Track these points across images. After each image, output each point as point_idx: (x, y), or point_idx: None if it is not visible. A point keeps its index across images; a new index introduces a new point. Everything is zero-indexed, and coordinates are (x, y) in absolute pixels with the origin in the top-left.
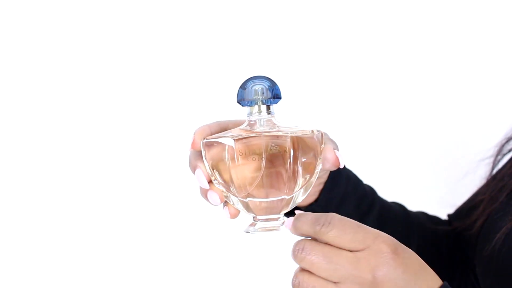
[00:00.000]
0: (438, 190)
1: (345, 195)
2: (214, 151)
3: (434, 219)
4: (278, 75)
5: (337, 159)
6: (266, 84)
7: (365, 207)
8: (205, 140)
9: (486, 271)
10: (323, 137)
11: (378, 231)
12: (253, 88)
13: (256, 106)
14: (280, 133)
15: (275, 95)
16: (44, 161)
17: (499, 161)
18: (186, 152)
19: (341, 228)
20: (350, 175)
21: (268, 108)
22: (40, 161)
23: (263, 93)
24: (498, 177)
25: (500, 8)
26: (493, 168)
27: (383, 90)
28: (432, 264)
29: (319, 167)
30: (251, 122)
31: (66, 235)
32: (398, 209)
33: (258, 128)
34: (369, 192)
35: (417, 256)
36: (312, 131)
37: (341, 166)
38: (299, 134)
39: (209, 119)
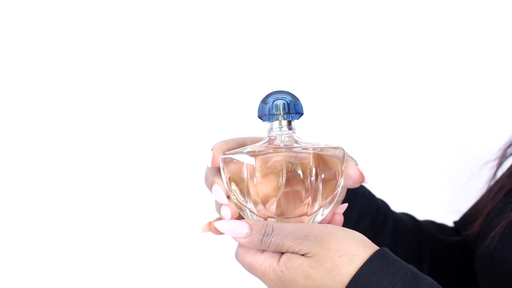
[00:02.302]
0: (442, 195)
1: (361, 212)
2: (233, 167)
3: (443, 228)
4: (287, 86)
5: (361, 175)
6: (288, 99)
7: (379, 223)
8: (224, 156)
9: (483, 269)
10: (344, 155)
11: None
12: (275, 103)
13: (277, 122)
14: (301, 150)
15: (297, 111)
16: (45, 161)
17: (501, 164)
18: (197, 163)
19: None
20: (365, 191)
21: (289, 123)
22: (40, 161)
23: (284, 108)
24: (499, 179)
25: (502, 10)
26: (496, 171)
27: (385, 97)
28: (445, 273)
29: (340, 185)
30: (271, 138)
31: (66, 235)
32: (409, 221)
33: (278, 144)
34: (382, 208)
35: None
36: (334, 148)
37: (366, 182)
38: (320, 151)
39: (214, 123)
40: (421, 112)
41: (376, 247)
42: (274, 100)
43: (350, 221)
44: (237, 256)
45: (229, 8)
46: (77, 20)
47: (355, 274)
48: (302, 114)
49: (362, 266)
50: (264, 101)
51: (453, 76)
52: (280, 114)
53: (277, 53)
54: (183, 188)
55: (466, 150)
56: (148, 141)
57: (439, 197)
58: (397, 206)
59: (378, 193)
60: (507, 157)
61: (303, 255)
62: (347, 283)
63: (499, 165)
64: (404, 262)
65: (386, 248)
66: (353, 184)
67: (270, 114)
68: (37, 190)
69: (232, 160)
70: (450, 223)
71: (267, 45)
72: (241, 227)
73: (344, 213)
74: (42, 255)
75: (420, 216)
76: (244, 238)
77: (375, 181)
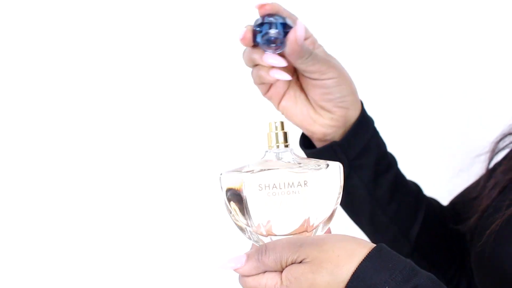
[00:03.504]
0: (432, 187)
1: (368, 145)
2: (232, 185)
3: (442, 208)
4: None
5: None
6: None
7: (383, 167)
8: (222, 174)
9: (478, 266)
10: (343, 170)
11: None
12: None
13: (274, 140)
14: (299, 167)
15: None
16: (44, 161)
17: (493, 157)
18: (196, 163)
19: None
20: (378, 134)
21: (285, 141)
22: (40, 162)
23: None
24: (494, 175)
25: (497, 7)
26: (488, 165)
27: (378, 88)
28: (434, 246)
29: (339, 200)
30: (269, 156)
31: (66, 235)
32: (412, 184)
33: (276, 162)
34: (391, 157)
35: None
36: (332, 164)
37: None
38: (318, 167)
39: (213, 124)
40: (413, 105)
41: (372, 244)
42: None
43: (355, 148)
44: (240, 281)
45: (228, 8)
46: (77, 20)
47: (355, 270)
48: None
49: (361, 262)
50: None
51: (447, 70)
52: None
53: None
54: (183, 188)
55: (457, 143)
56: (148, 141)
57: (428, 189)
58: None
59: None
60: (499, 150)
61: (301, 262)
62: (347, 281)
63: (491, 158)
64: (401, 256)
65: (383, 244)
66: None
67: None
68: (37, 190)
69: (231, 178)
70: None
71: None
72: (240, 259)
73: (350, 137)
74: (42, 255)
75: None
76: (243, 266)
77: None
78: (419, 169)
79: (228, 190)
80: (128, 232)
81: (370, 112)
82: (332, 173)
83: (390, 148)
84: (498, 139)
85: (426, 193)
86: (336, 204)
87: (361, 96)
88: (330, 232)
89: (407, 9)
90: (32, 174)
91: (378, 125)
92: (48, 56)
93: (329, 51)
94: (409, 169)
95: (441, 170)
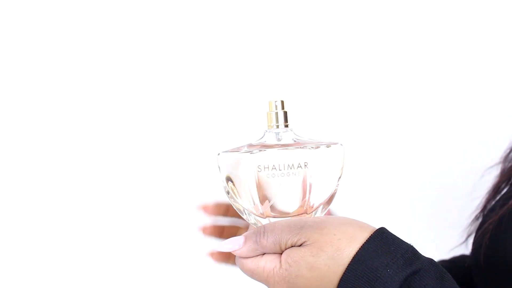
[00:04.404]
0: (447, 204)
1: None
2: (230, 165)
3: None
4: (285, 85)
5: None
6: None
7: None
8: (221, 154)
9: (476, 265)
10: (343, 150)
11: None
12: None
13: (274, 119)
14: (299, 147)
15: None
16: (44, 162)
17: (505, 169)
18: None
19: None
20: None
21: (285, 120)
22: (39, 162)
23: None
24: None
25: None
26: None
27: (389, 106)
28: None
29: (340, 181)
30: (269, 136)
31: (66, 235)
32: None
33: (276, 142)
34: None
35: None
36: (333, 144)
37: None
38: (319, 147)
39: (213, 124)
40: (424, 120)
41: (374, 227)
42: None
43: None
44: (238, 263)
45: (228, 8)
46: (77, 20)
47: (356, 253)
48: None
49: (363, 245)
50: None
51: (458, 85)
52: None
53: (276, 53)
54: (182, 188)
55: (470, 158)
56: (148, 141)
57: (443, 205)
58: (400, 215)
59: (383, 203)
60: (510, 161)
61: (301, 245)
62: (347, 264)
63: (504, 170)
64: (403, 240)
65: (385, 227)
66: None
67: None
68: (37, 190)
69: (229, 158)
70: (458, 231)
71: (266, 44)
72: (237, 240)
73: None
74: (42, 255)
75: (428, 225)
76: (241, 248)
77: (377, 189)
78: (432, 187)
79: (226, 169)
80: (127, 233)
81: (381, 135)
82: (334, 154)
83: (407, 164)
84: (507, 152)
85: (440, 210)
86: (336, 186)
87: (376, 117)
88: (330, 214)
89: (416, 17)
90: (30, 174)
91: (398, 145)
92: (48, 56)
93: (329, 51)
94: (420, 191)
95: (455, 186)
